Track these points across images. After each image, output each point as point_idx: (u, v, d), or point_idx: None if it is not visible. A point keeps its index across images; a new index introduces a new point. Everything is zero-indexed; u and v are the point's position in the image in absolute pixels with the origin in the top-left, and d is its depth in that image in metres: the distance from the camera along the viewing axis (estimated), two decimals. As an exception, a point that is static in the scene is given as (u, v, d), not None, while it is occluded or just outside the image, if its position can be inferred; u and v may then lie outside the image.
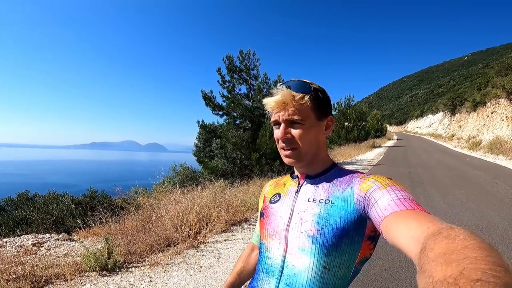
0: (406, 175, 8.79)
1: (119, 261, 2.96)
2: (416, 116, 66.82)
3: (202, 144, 11.18)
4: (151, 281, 2.69)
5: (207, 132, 10.83)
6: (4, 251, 3.24)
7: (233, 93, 10.22)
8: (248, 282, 0.88)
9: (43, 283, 2.55)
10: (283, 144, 0.72)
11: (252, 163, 9.12)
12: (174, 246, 3.52)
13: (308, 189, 0.75)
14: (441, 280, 0.30)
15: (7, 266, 2.68)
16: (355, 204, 0.65)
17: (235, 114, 10.15)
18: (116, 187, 5.90)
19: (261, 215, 0.84)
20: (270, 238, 0.76)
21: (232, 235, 4.01)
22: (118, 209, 5.38)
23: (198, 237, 3.74)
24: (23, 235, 4.07)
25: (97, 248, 3.18)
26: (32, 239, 3.79)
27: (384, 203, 0.56)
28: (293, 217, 0.73)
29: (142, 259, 3.18)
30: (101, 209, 4.60)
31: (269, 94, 0.73)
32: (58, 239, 3.92)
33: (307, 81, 0.71)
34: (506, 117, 16.90)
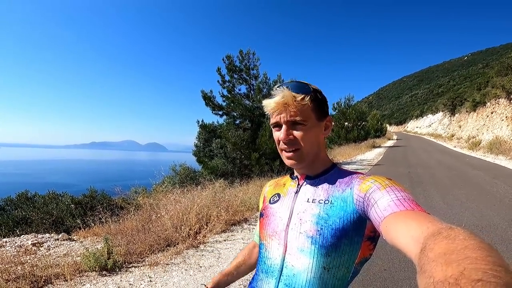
0: (406, 175, 8.80)
1: (119, 261, 2.96)
2: (416, 116, 66.86)
3: (202, 144, 11.18)
4: (150, 281, 2.69)
5: (207, 132, 10.84)
6: (4, 251, 3.24)
7: (233, 93, 10.22)
8: (248, 282, 0.88)
9: (43, 283, 2.55)
10: (285, 146, 0.71)
11: (252, 163, 9.12)
12: (174, 246, 3.52)
13: (307, 189, 0.75)
14: (442, 280, 0.30)
15: (6, 266, 2.68)
16: (355, 204, 0.65)
17: (235, 114, 10.15)
18: (115, 187, 5.90)
19: (261, 215, 0.84)
20: (269, 239, 0.76)
21: (232, 235, 4.01)
22: (117, 209, 5.38)
23: (198, 237, 3.74)
24: (23, 235, 4.07)
25: (97, 248, 3.18)
26: (31, 239, 3.79)
27: (383, 203, 0.56)
28: (293, 217, 0.72)
29: (141, 259, 3.18)
30: (100, 209, 4.60)
31: (268, 96, 0.72)
32: (57, 239, 3.91)
33: (305, 82, 0.72)
34: (506, 117, 16.92)
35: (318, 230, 0.66)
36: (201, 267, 3.00)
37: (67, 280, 2.62)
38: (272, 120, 0.72)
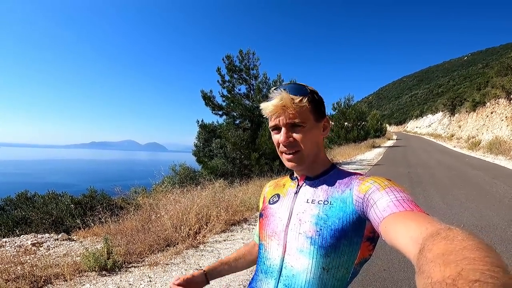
0: (406, 175, 8.80)
1: (119, 261, 2.96)
2: (416, 116, 66.90)
3: (201, 144, 11.18)
4: (150, 281, 2.69)
5: (207, 132, 10.83)
6: (4, 251, 3.24)
7: (232, 93, 10.22)
8: (248, 282, 0.89)
9: (43, 283, 2.55)
10: (285, 149, 0.71)
11: (252, 163, 9.12)
12: (174, 246, 3.52)
13: (307, 190, 0.75)
14: (439, 281, 0.30)
15: (6, 266, 2.68)
16: (354, 205, 0.65)
17: (235, 113, 10.15)
18: (115, 187, 5.90)
19: (260, 215, 0.84)
20: (269, 239, 0.76)
21: (231, 235, 4.01)
22: (117, 209, 5.38)
23: (198, 237, 3.74)
24: (23, 235, 4.07)
25: (97, 248, 3.18)
26: (31, 239, 3.79)
27: (383, 204, 0.56)
28: (292, 218, 0.73)
29: (141, 259, 3.18)
30: (100, 209, 4.61)
31: (266, 99, 0.72)
32: (57, 239, 3.91)
33: (302, 83, 0.72)
34: (506, 117, 16.93)
35: (318, 231, 0.66)
36: (200, 267, 3.00)
37: (66, 280, 2.62)
38: (271, 123, 0.72)
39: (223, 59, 10.06)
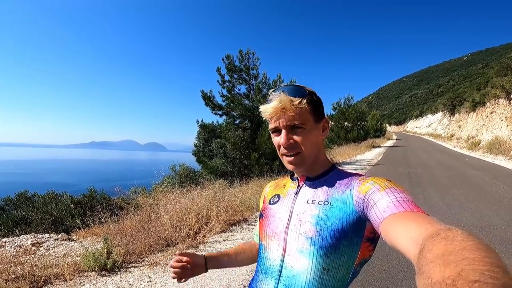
0: (405, 175, 8.81)
1: (118, 261, 2.96)
2: (416, 116, 66.95)
3: (201, 144, 11.17)
4: (150, 281, 2.69)
5: (207, 132, 10.83)
6: (3, 251, 3.23)
7: (232, 92, 10.22)
8: (248, 283, 0.89)
9: (42, 283, 2.55)
10: (286, 151, 0.71)
11: (252, 163, 9.12)
12: (174, 246, 3.52)
13: (307, 191, 0.75)
14: (439, 281, 0.30)
15: (6, 266, 2.68)
16: (354, 206, 0.65)
17: (235, 113, 10.15)
18: (115, 187, 5.90)
19: (261, 216, 0.84)
20: (269, 239, 0.76)
21: (231, 235, 4.01)
22: (117, 209, 5.37)
23: (198, 237, 3.74)
24: (22, 235, 4.06)
25: (96, 248, 3.18)
26: (31, 239, 3.79)
27: (383, 204, 0.56)
28: (292, 218, 0.73)
29: (141, 259, 3.18)
30: (100, 209, 4.60)
31: (265, 99, 0.72)
32: (57, 239, 3.91)
33: (300, 85, 0.72)
34: (506, 117, 16.94)
35: (318, 231, 0.66)
36: (200, 267, 3.00)
37: (66, 280, 2.62)
38: (271, 126, 0.72)
39: (223, 59, 10.06)
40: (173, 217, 3.97)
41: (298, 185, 0.78)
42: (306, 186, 0.76)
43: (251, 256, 0.95)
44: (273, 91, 0.71)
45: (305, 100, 0.69)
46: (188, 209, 4.15)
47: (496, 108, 18.90)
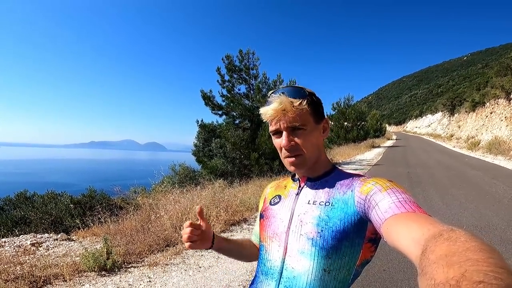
0: (405, 175, 8.81)
1: (118, 261, 2.96)
2: (415, 116, 67.03)
3: (201, 144, 11.17)
4: (150, 281, 2.68)
5: (207, 132, 10.83)
6: (3, 251, 3.23)
7: (232, 92, 10.22)
8: (248, 283, 0.88)
9: (42, 283, 2.54)
10: (288, 153, 0.71)
11: (252, 163, 9.12)
12: (173, 246, 3.51)
13: (308, 191, 0.75)
14: (443, 282, 0.29)
15: (5, 266, 2.67)
16: (356, 206, 0.64)
17: (235, 113, 10.16)
18: (115, 187, 5.89)
19: (261, 216, 0.83)
20: (269, 240, 0.76)
21: (231, 235, 4.00)
22: (117, 209, 5.36)
23: (197, 237, 3.74)
24: (22, 235, 4.06)
25: (96, 248, 3.18)
26: (30, 239, 3.78)
27: (384, 205, 0.56)
28: (293, 219, 0.72)
29: (141, 259, 3.18)
30: (100, 209, 4.60)
31: (265, 99, 0.72)
32: (56, 239, 3.91)
33: (300, 86, 0.72)
34: (505, 117, 16.95)
35: (319, 232, 0.66)
36: (200, 267, 3.00)
37: (66, 281, 2.62)
38: (272, 128, 0.72)
39: (222, 59, 10.06)
40: (172, 217, 3.97)
41: (299, 186, 0.78)
42: (307, 187, 0.76)
43: (250, 253, 0.93)
44: (272, 92, 0.71)
45: (305, 101, 0.68)
46: (188, 209, 4.15)
47: (496, 108, 18.91)
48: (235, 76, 10.20)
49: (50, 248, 3.52)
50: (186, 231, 0.77)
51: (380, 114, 47.74)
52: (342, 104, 25.34)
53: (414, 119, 66.56)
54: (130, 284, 2.63)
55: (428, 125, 48.63)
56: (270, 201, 0.83)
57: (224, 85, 10.13)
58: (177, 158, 10.22)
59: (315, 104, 0.71)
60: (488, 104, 20.53)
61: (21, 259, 2.96)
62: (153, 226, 3.85)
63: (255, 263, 1.11)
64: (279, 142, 0.71)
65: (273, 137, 0.74)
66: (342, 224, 0.65)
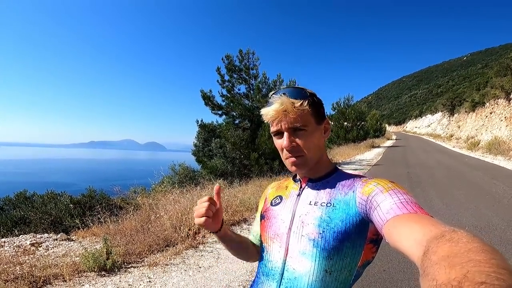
0: (405, 175, 8.81)
1: (118, 262, 2.96)
2: (415, 116, 67.09)
3: (201, 144, 11.17)
4: (150, 281, 2.68)
5: (206, 132, 10.83)
6: (2, 251, 3.22)
7: (232, 92, 10.22)
8: (248, 284, 0.88)
9: (42, 284, 2.54)
10: (289, 154, 0.71)
11: (251, 163, 9.12)
12: (173, 246, 3.51)
13: (310, 192, 0.75)
14: (445, 283, 0.29)
15: (5, 266, 2.67)
16: (357, 207, 0.64)
17: (234, 113, 10.15)
18: (114, 187, 5.89)
19: (262, 217, 0.83)
20: (270, 241, 0.75)
21: (231, 235, 4.00)
22: (116, 209, 5.36)
23: (197, 238, 3.74)
24: (21, 235, 4.06)
25: (96, 248, 3.18)
26: (30, 239, 3.78)
27: (386, 206, 0.56)
28: (295, 220, 0.72)
29: (141, 259, 3.17)
30: (99, 209, 4.59)
31: (265, 99, 0.72)
32: (56, 239, 3.90)
33: (300, 86, 0.72)
34: (505, 117, 16.96)
35: (320, 233, 0.66)
36: (200, 267, 3.00)
37: (65, 281, 2.61)
38: (273, 129, 0.71)
39: (222, 59, 10.06)
40: (172, 217, 3.97)
41: (301, 187, 0.77)
42: (309, 188, 0.76)
43: (249, 252, 0.90)
44: (274, 93, 0.71)
45: (307, 102, 0.68)
46: (188, 209, 4.14)
47: (496, 108, 18.93)
48: (235, 76, 10.20)
49: (49, 248, 3.52)
50: (204, 205, 0.73)
51: (380, 114, 47.77)
52: (342, 104, 25.34)
53: (414, 119, 66.63)
54: (130, 284, 2.62)
55: (428, 125, 48.67)
56: (271, 201, 0.83)
57: (224, 85, 10.13)
58: (177, 158, 10.22)
59: (316, 104, 0.71)
60: (488, 104, 20.55)
61: (20, 259, 2.96)
62: (153, 226, 3.85)
63: (254, 264, 1.10)
64: (280, 143, 0.71)
65: (274, 138, 0.74)
66: (343, 225, 0.65)
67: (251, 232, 0.93)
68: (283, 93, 0.68)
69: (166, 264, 3.03)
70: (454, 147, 21.12)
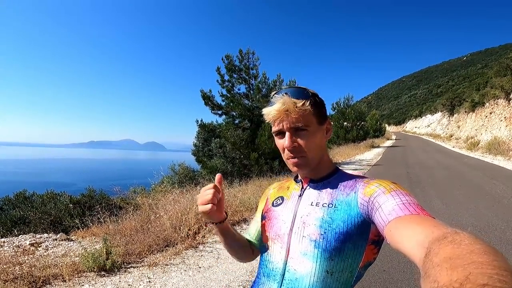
0: (405, 175, 8.82)
1: (118, 262, 2.95)
2: (415, 116, 67.12)
3: (201, 144, 11.17)
4: (149, 281, 2.68)
5: (206, 132, 10.83)
6: (2, 251, 3.22)
7: (232, 92, 10.22)
8: (248, 283, 0.87)
9: (41, 284, 2.54)
10: (291, 154, 0.70)
11: (251, 163, 9.12)
12: (173, 246, 3.51)
13: (311, 193, 0.74)
14: (446, 285, 0.29)
15: (4, 266, 2.66)
16: (359, 208, 0.64)
17: (234, 113, 10.15)
18: (114, 187, 5.88)
19: (263, 218, 0.83)
20: (271, 242, 0.75)
21: (231, 235, 4.00)
22: (116, 209, 5.35)
23: (197, 238, 3.74)
24: (21, 235, 4.05)
25: (95, 248, 3.17)
26: (29, 239, 3.77)
27: (388, 207, 0.56)
28: (296, 221, 0.72)
29: (140, 259, 3.17)
30: (99, 208, 4.59)
31: (265, 99, 0.71)
32: (56, 239, 3.90)
33: (302, 86, 0.71)
34: (505, 117, 16.97)
35: (322, 234, 0.66)
36: (200, 267, 3.00)
37: (65, 281, 2.61)
38: (274, 128, 0.71)
39: (222, 59, 10.06)
40: (172, 217, 3.96)
41: (302, 187, 0.77)
42: (310, 188, 0.75)
43: (247, 251, 0.88)
44: (275, 93, 0.70)
45: (308, 102, 0.68)
46: (188, 209, 4.14)
47: (495, 108, 18.93)
48: (235, 76, 10.20)
49: (49, 248, 3.51)
50: (210, 192, 0.70)
51: (380, 114, 47.78)
52: (341, 104, 25.36)
53: (414, 119, 66.66)
54: (129, 285, 2.62)
55: (427, 125, 48.68)
56: (273, 202, 0.82)
57: (224, 85, 10.13)
58: (176, 158, 10.23)
59: (318, 105, 0.71)
60: (487, 104, 20.55)
61: (20, 259, 2.95)
62: (152, 226, 3.84)
63: (255, 264, 1.09)
64: (282, 143, 0.70)
65: (275, 138, 0.73)
66: (345, 226, 0.65)
67: (247, 232, 0.91)
68: (285, 93, 0.68)
69: (166, 264, 3.03)
70: (453, 147, 21.14)
